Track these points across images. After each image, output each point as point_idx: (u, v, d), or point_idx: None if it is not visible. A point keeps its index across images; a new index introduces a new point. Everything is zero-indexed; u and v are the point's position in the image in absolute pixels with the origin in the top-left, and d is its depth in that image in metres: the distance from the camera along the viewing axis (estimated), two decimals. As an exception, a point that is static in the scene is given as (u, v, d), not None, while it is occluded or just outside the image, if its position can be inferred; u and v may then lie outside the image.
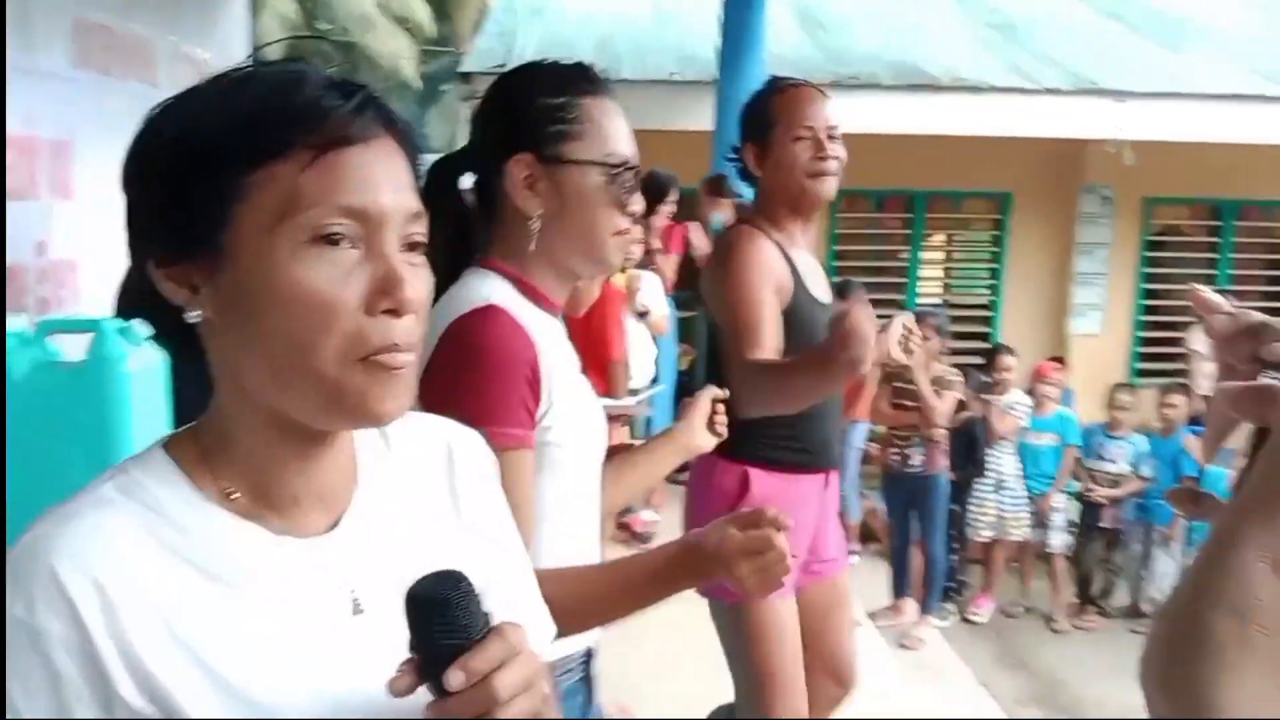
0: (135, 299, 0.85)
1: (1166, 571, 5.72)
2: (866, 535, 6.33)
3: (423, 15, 20.06)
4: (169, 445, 0.84)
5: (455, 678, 0.72)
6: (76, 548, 0.75)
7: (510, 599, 0.91)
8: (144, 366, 1.91)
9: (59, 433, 1.83)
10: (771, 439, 2.36)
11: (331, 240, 0.77)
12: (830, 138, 2.34)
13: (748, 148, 2.42)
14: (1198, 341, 6.11)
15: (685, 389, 4.81)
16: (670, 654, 3.71)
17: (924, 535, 5.43)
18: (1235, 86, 7.12)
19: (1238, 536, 0.51)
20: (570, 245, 1.46)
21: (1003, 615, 5.93)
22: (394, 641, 0.74)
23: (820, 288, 2.47)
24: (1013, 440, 5.86)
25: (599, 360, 4.64)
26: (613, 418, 2.32)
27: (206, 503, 0.81)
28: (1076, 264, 8.04)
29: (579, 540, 1.51)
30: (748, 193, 2.78)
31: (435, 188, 1.43)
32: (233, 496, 0.82)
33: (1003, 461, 5.83)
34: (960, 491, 5.66)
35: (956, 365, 5.67)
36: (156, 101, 0.82)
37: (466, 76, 7.06)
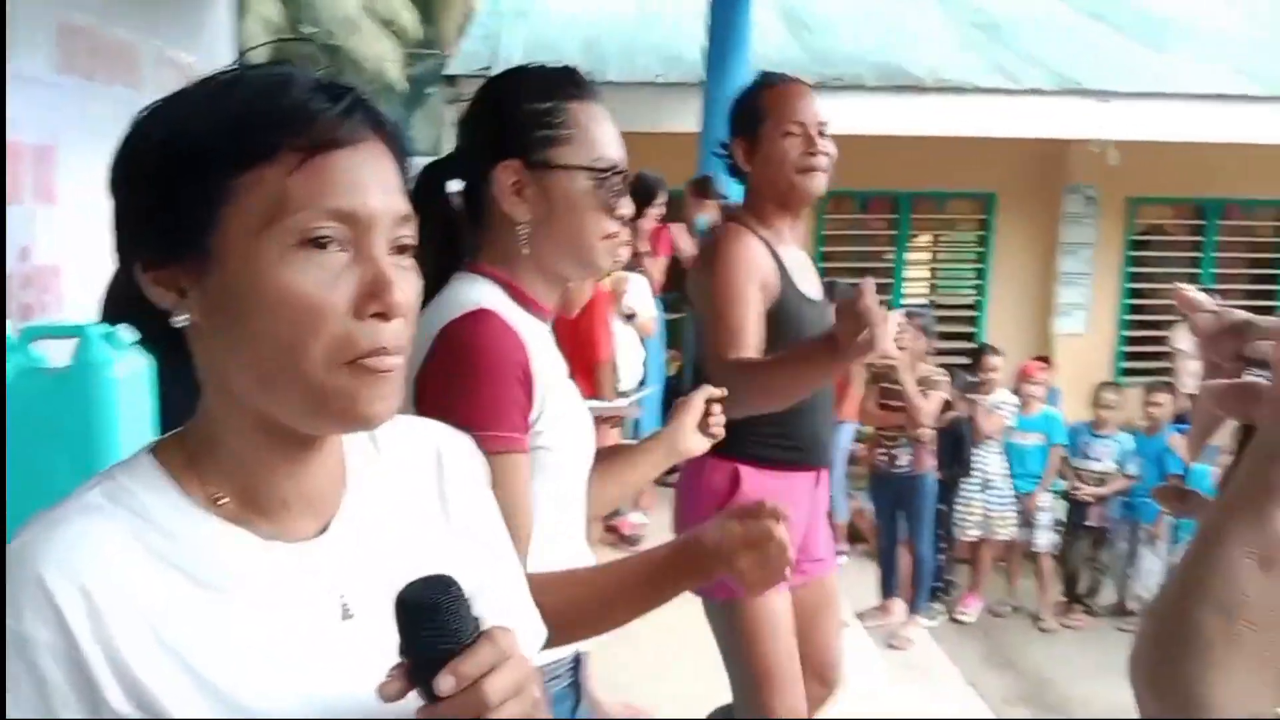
0: (122, 303, 0.85)
1: (1153, 569, 5.73)
2: (854, 535, 6.33)
3: (408, 18, 20.03)
4: (156, 450, 0.84)
5: (445, 682, 0.71)
6: (63, 554, 0.74)
7: (501, 603, 0.90)
8: (130, 372, 1.90)
9: (44, 439, 1.82)
10: (762, 436, 2.34)
11: (319, 243, 0.77)
12: (820, 133, 2.33)
13: (737, 143, 2.40)
14: (1182, 340, 6.14)
15: (674, 393, 4.81)
16: (669, 654, 3.70)
17: (911, 535, 5.43)
18: (1218, 86, 7.16)
19: (1224, 533, 0.51)
20: (559, 250, 1.46)
21: (990, 614, 5.93)
22: (384, 646, 0.74)
23: (810, 284, 2.45)
24: (999, 440, 5.86)
25: (585, 362, 4.63)
26: (603, 419, 2.32)
27: (194, 508, 0.81)
28: (1061, 264, 8.08)
29: (571, 543, 1.51)
30: (734, 193, 2.77)
31: (423, 192, 1.42)
32: (221, 502, 0.82)
33: (989, 461, 5.83)
34: (947, 491, 5.66)
35: (942, 365, 5.67)
36: (141, 106, 0.82)
37: (451, 79, 7.06)
